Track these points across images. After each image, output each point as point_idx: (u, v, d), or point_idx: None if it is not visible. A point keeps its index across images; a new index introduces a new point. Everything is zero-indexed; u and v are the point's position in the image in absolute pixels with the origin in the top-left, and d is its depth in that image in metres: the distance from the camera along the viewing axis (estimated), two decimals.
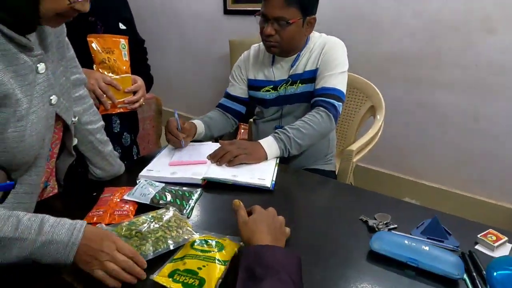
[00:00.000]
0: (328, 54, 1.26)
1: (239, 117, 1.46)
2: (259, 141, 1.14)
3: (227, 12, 2.74)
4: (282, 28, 1.19)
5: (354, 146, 1.43)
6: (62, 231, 0.63)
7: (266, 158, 1.12)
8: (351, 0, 2.11)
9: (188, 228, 0.78)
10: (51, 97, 0.76)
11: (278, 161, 1.14)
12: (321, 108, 1.21)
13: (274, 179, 1.03)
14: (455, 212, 0.88)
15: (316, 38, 1.31)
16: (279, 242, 0.69)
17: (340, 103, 1.24)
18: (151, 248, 0.71)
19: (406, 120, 2.15)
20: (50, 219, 0.64)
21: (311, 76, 1.29)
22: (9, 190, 0.33)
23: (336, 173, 1.49)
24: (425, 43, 1.96)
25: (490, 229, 0.78)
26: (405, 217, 0.86)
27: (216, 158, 1.09)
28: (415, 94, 2.08)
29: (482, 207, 2.00)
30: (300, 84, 1.30)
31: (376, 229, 0.80)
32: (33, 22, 0.68)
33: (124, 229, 0.74)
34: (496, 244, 0.74)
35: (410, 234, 0.78)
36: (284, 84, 1.32)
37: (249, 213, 0.75)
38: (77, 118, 0.91)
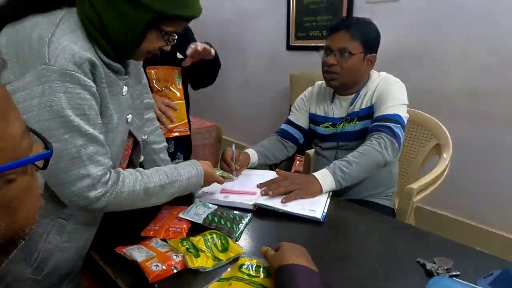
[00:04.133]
0: (383, 90, 1.26)
1: (297, 144, 1.48)
2: (313, 174, 1.13)
3: (289, 47, 2.84)
4: (343, 59, 1.23)
5: (416, 185, 1.35)
6: (191, 168, 0.93)
7: (321, 192, 1.10)
8: (417, 36, 2.07)
9: None
10: (128, 116, 0.86)
11: (331, 193, 1.12)
12: (375, 135, 1.17)
13: (325, 211, 1.01)
14: None
15: (375, 77, 1.33)
16: (312, 266, 0.66)
17: (398, 125, 1.18)
18: None
19: (476, 160, 1.97)
20: (179, 166, 0.91)
21: (367, 113, 1.29)
22: (48, 158, 0.38)
23: (395, 211, 1.41)
24: (499, 79, 1.82)
25: None
26: (470, 265, 0.77)
27: (267, 190, 1.08)
28: (487, 133, 1.91)
29: None
30: (357, 122, 1.31)
31: (435, 274, 0.73)
32: (129, 56, 0.81)
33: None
34: None
35: (476, 284, 0.70)
36: (343, 122, 1.33)
37: (277, 251, 0.73)
38: (146, 136, 1.00)
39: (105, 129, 0.78)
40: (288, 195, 1.05)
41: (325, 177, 1.10)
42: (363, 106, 1.30)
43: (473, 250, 0.87)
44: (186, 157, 1.49)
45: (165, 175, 0.86)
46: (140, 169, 0.85)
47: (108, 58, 0.77)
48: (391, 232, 0.98)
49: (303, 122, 1.46)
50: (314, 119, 1.43)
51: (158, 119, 1.20)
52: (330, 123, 1.37)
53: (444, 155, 1.51)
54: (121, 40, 0.74)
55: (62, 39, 0.68)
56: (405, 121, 1.23)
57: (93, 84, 0.72)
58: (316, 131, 1.42)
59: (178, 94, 1.29)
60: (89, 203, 0.73)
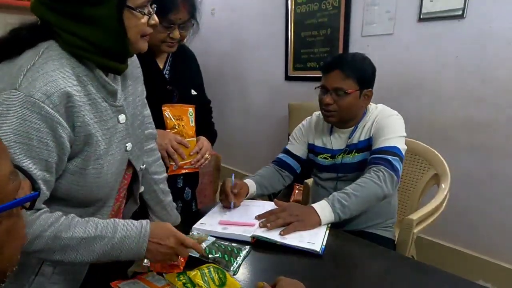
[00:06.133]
0: (381, 123, 1.28)
1: (294, 174, 1.48)
2: (312, 205, 1.12)
3: (288, 78, 2.91)
4: (340, 98, 1.26)
5: (415, 215, 1.34)
6: (133, 228, 0.78)
7: (320, 224, 1.09)
8: (411, 68, 2.13)
9: None
10: (127, 145, 0.86)
11: (330, 225, 1.11)
12: (374, 168, 1.18)
13: (324, 243, 1.00)
14: None
15: (372, 109, 1.36)
16: None
17: (397, 158, 1.19)
18: None
19: (477, 191, 1.96)
20: (120, 221, 0.79)
21: (365, 145, 1.31)
22: (35, 199, 0.37)
23: (395, 243, 1.39)
24: (494, 110, 1.86)
25: None
26: None
27: (265, 222, 1.07)
28: (487, 164, 1.92)
29: None
30: (356, 154, 1.32)
31: None
32: (128, 51, 0.79)
33: None
34: None
35: None
36: (342, 154, 1.35)
37: (274, 286, 0.71)
38: (145, 166, 1.00)
39: (94, 156, 0.78)
40: (287, 227, 1.04)
41: (324, 209, 1.10)
42: (362, 138, 1.32)
43: (477, 286, 0.85)
44: (193, 191, 1.49)
45: (94, 228, 0.75)
46: (72, 216, 0.76)
47: (110, 71, 0.79)
48: (393, 266, 0.96)
49: (301, 152, 1.47)
50: (313, 149, 1.44)
51: (170, 156, 1.22)
52: (329, 155, 1.38)
53: (443, 185, 1.51)
54: (109, 42, 0.74)
55: (41, 67, 0.69)
56: (404, 153, 1.25)
57: (57, 117, 0.69)
58: (315, 162, 1.43)
59: (190, 132, 1.31)
60: None
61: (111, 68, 0.80)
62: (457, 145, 1.99)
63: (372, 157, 1.23)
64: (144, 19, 0.78)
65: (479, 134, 1.92)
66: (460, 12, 1.87)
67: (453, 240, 2.09)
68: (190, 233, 1.00)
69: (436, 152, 1.58)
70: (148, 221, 0.80)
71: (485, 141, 1.91)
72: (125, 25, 0.75)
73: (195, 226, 1.10)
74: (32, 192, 0.37)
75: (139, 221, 0.80)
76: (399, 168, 1.19)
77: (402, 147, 1.24)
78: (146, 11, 0.77)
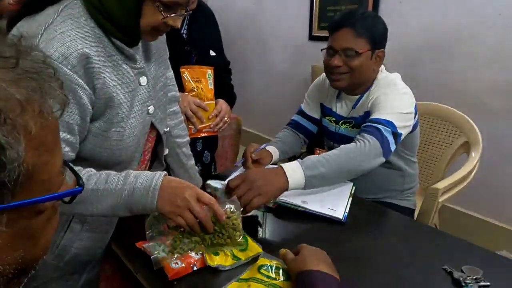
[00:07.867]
0: (381, 98, 1.15)
1: (310, 137, 1.42)
2: (282, 165, 0.96)
3: (312, 38, 2.77)
4: (350, 59, 1.14)
5: (441, 185, 1.30)
6: (144, 178, 0.73)
7: (286, 189, 0.94)
8: (447, 26, 1.96)
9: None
10: (149, 107, 0.85)
11: (352, 192, 1.09)
12: (361, 136, 1.05)
13: (347, 210, 0.98)
14: None
15: (383, 79, 1.21)
16: (333, 272, 0.64)
17: (389, 129, 1.05)
18: None
19: (508, 159, 1.88)
20: (133, 172, 0.75)
21: (363, 121, 1.17)
22: (75, 195, 0.38)
23: (416, 212, 1.37)
24: None
25: None
26: (501, 275, 0.74)
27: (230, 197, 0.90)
28: None
29: None
30: (355, 128, 1.24)
31: (463, 284, 0.70)
32: (136, 35, 0.78)
33: None
34: None
35: None
36: (344, 124, 1.28)
37: (296, 254, 0.70)
38: (168, 129, 1.00)
39: (116, 119, 0.78)
40: (249, 206, 0.88)
41: (295, 172, 0.95)
42: (361, 114, 1.21)
43: (503, 259, 0.82)
44: (212, 154, 1.49)
45: (104, 181, 0.73)
46: (89, 169, 0.76)
47: (121, 41, 0.76)
48: (415, 235, 0.95)
49: (315, 112, 1.39)
50: (323, 109, 1.37)
51: (189, 120, 1.20)
52: (334, 119, 1.31)
53: (473, 154, 1.44)
54: (121, 19, 0.72)
55: (59, 26, 0.68)
56: (401, 132, 1.09)
57: (75, 78, 0.69)
58: (322, 123, 1.38)
59: (209, 95, 1.28)
60: None
61: (123, 40, 0.77)
62: (492, 112, 1.88)
63: (363, 126, 1.11)
64: (160, 17, 0.73)
65: None
66: None
67: (478, 209, 2.05)
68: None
69: (468, 119, 1.50)
70: (165, 173, 0.75)
71: None
72: (142, 11, 0.72)
73: (208, 181, 1.07)
74: (77, 187, 0.38)
75: (154, 172, 0.75)
76: (389, 141, 1.05)
77: (400, 124, 1.08)
78: (166, 10, 0.73)
